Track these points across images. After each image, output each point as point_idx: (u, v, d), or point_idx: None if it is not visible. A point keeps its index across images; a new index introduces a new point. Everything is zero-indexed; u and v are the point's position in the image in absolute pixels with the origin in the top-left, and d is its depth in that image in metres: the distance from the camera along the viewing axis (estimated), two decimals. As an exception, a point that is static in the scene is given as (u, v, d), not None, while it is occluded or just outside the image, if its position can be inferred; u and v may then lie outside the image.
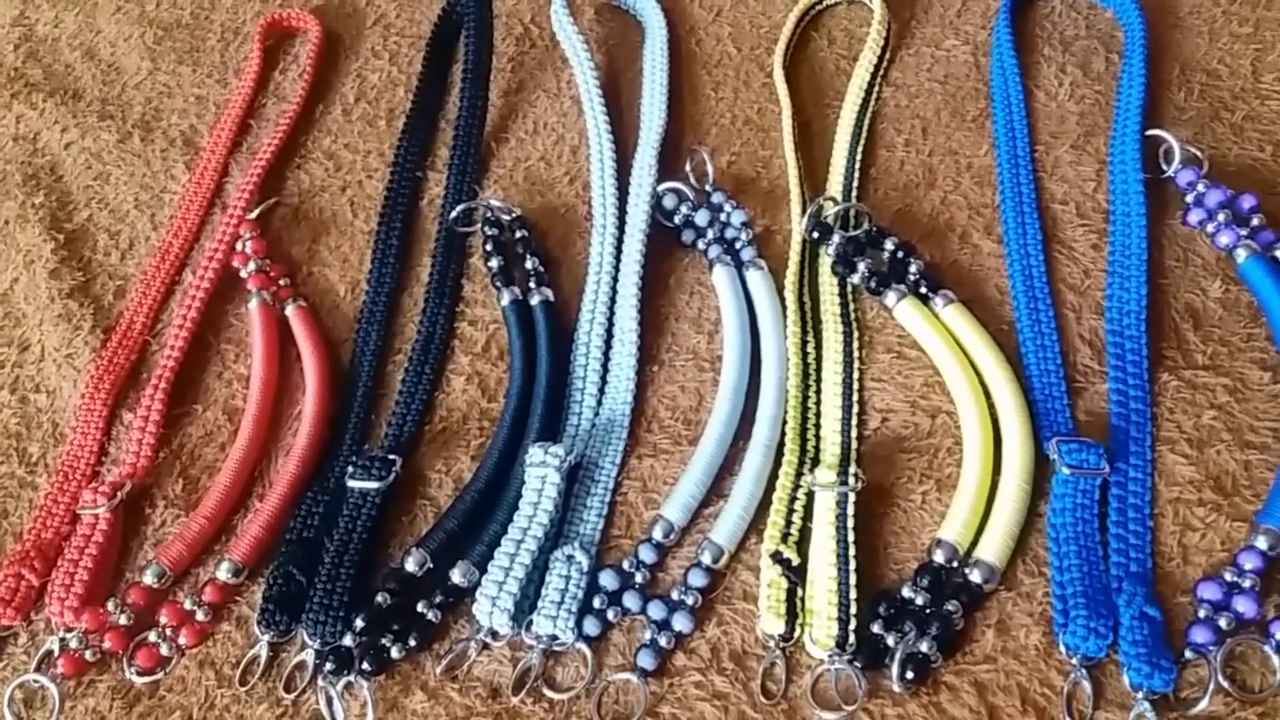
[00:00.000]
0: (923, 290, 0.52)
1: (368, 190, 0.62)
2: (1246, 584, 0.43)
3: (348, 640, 0.45)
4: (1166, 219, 0.54)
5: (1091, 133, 0.57)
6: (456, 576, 0.46)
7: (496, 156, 0.62)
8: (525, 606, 0.45)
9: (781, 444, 0.49)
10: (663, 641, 0.44)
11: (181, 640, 0.47)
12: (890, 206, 0.57)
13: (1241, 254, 0.51)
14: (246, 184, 0.61)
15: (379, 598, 0.45)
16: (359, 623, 0.45)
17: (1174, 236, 0.53)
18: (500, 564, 0.45)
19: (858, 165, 0.58)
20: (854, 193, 0.57)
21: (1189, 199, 0.53)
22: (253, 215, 0.60)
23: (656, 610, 0.45)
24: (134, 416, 0.53)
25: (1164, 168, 0.54)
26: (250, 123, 0.66)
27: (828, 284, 0.54)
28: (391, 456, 0.49)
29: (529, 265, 0.55)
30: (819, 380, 0.51)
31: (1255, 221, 0.52)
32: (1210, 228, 0.52)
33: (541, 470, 0.47)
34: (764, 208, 0.58)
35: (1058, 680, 0.42)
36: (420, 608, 0.45)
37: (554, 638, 0.45)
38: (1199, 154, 0.54)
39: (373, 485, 0.48)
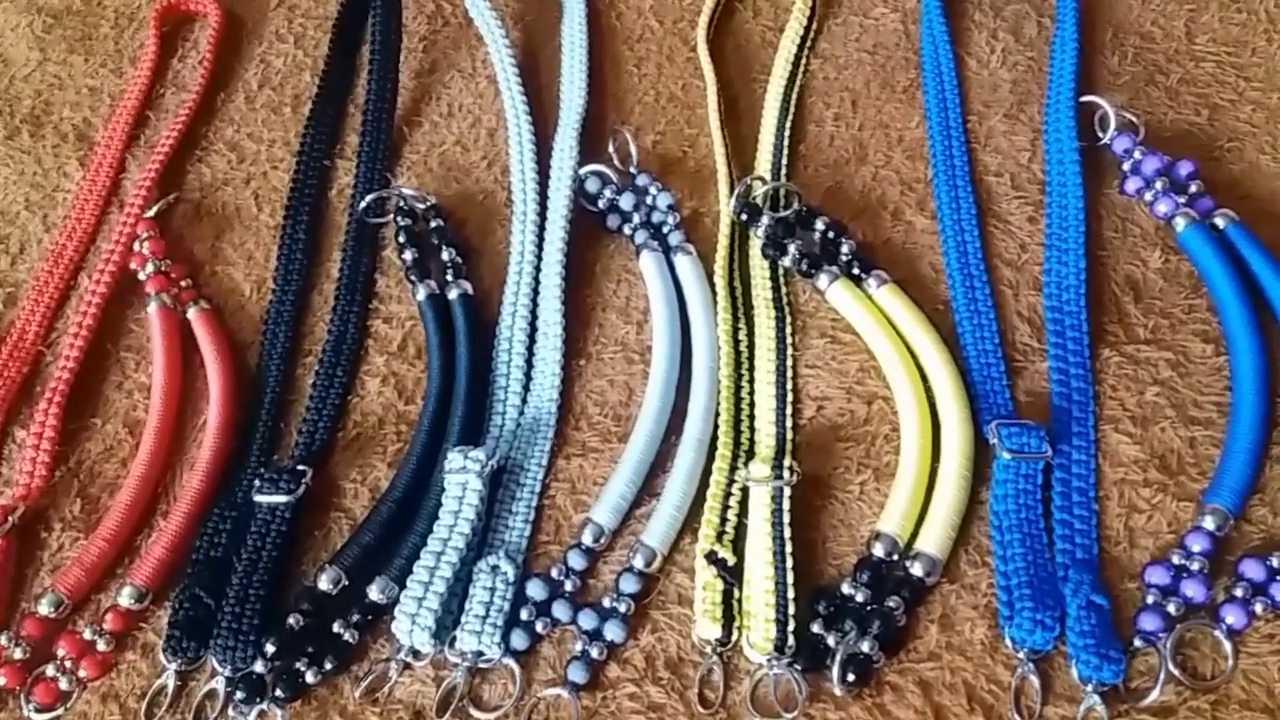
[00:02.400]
0: (855, 271, 0.50)
1: (273, 182, 0.58)
2: (1195, 567, 0.41)
3: (259, 666, 0.42)
4: (1104, 188, 0.52)
5: (1025, 101, 0.56)
6: (374, 593, 0.43)
7: (409, 142, 0.59)
8: (448, 622, 0.43)
9: (715, 438, 0.47)
10: (594, 653, 0.42)
11: (82, 673, 0.44)
12: (821, 184, 0.55)
13: (1180, 222, 0.49)
14: (144, 180, 0.58)
15: (291, 619, 0.43)
16: (270, 647, 0.42)
17: (1112, 206, 0.52)
18: (419, 578, 0.43)
19: (786, 142, 0.56)
20: (783, 171, 0.55)
21: (1125, 167, 0.52)
22: (151, 213, 0.56)
23: (587, 619, 0.43)
24: (27, 433, 0.50)
25: (1099, 135, 0.53)
26: (148, 114, 0.62)
27: (759, 268, 0.52)
28: (301, 467, 0.46)
29: (445, 257, 0.52)
30: (752, 369, 0.49)
31: (1193, 188, 0.50)
32: (1148, 196, 0.51)
33: (462, 476, 0.44)
34: (691, 189, 0.55)
35: (1005, 675, 0.41)
36: (336, 628, 0.43)
37: (479, 654, 0.42)
38: (1134, 120, 0.52)
39: (281, 499, 0.45)
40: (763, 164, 0.55)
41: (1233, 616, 0.40)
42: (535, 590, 0.43)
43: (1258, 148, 0.53)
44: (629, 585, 0.43)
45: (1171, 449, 0.45)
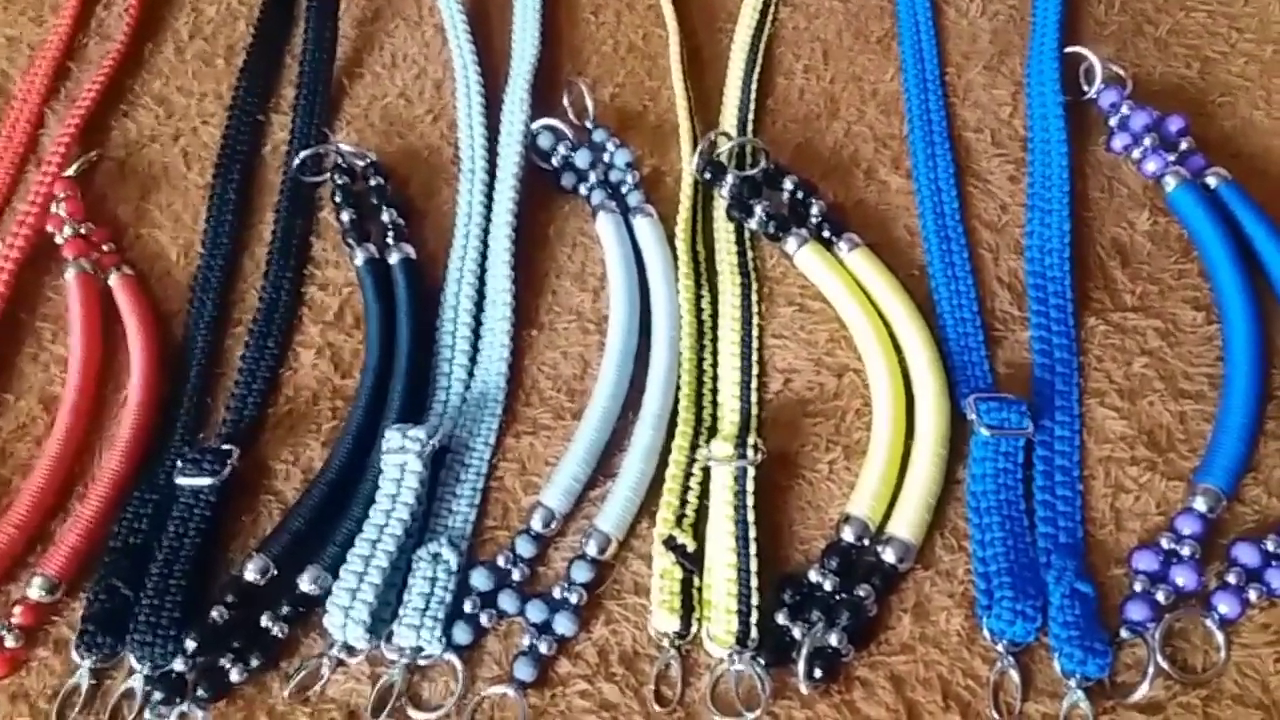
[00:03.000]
0: (826, 234, 0.47)
1: (203, 138, 0.54)
2: (1185, 552, 0.39)
3: (180, 663, 0.39)
4: (1089, 145, 0.49)
5: (1006, 52, 0.52)
6: (305, 584, 0.40)
7: (350, 95, 0.55)
8: (385, 615, 0.40)
9: (675, 414, 0.44)
10: (543, 647, 0.39)
11: (-11, 671, 0.40)
12: (790, 140, 0.51)
13: (1170, 182, 0.46)
14: (63, 136, 0.53)
15: (214, 613, 0.39)
16: (191, 643, 0.39)
17: (1098, 165, 0.49)
18: (353, 568, 0.39)
19: (753, 95, 0.52)
20: (750, 126, 0.51)
21: (1112, 122, 0.49)
22: (70, 172, 0.52)
23: (536, 611, 0.40)
24: (-68, 410, 0.46)
25: (1085, 89, 0.50)
26: (70, 66, 0.58)
27: (723, 230, 0.49)
28: (227, 447, 0.43)
29: (386, 218, 0.48)
30: (715, 339, 0.46)
31: (1184, 146, 0.47)
32: (1136, 154, 0.48)
33: (400, 457, 0.41)
34: (652, 146, 0.52)
35: (982, 669, 0.38)
36: (264, 622, 0.40)
37: (419, 649, 0.39)
38: (1122, 72, 0.49)
39: (205, 481, 0.42)
40: (728, 119, 0.52)
41: (1225, 605, 0.38)
42: (480, 580, 0.40)
43: (1251, 103, 0.50)
44: (581, 574, 0.40)
45: (1160, 424, 0.42)
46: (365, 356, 0.46)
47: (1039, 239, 0.46)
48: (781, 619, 0.39)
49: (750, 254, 0.48)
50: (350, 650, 0.39)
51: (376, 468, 0.42)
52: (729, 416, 0.44)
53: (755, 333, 0.46)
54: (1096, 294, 0.45)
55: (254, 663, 0.39)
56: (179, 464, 0.42)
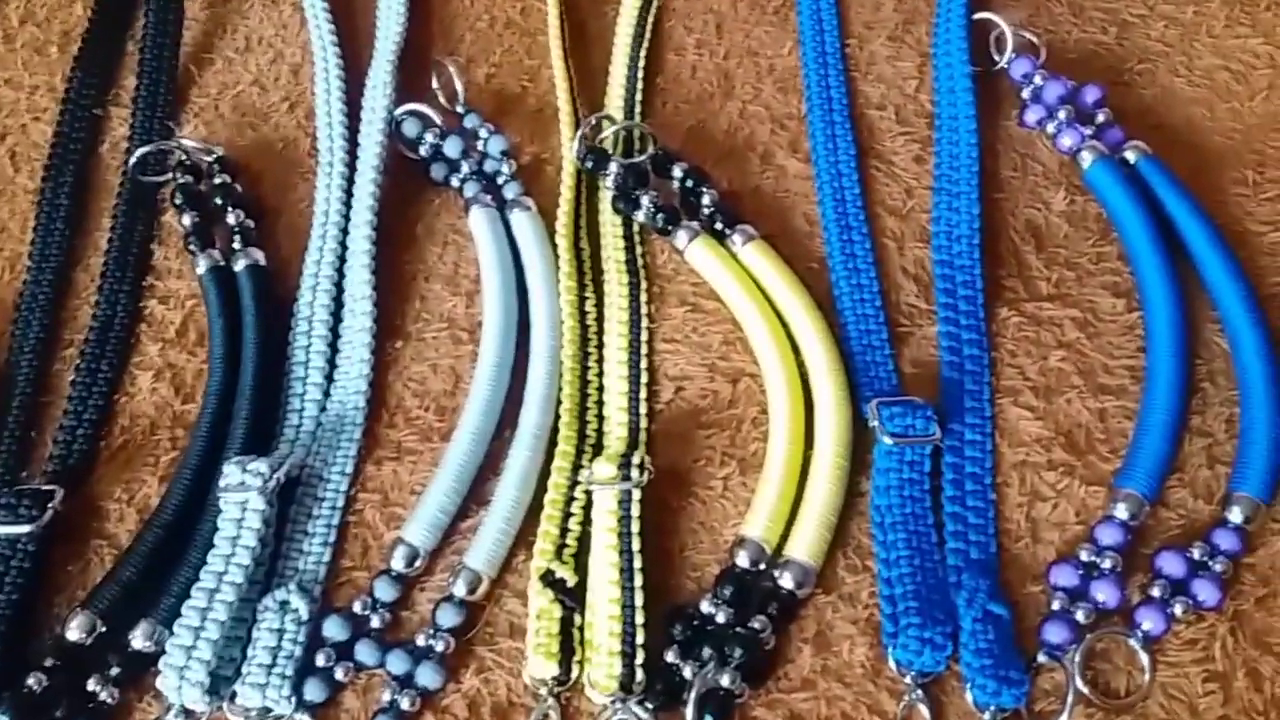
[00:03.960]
0: (719, 226, 0.43)
1: (34, 136, 0.48)
2: (1106, 564, 0.36)
3: (-7, 739, 0.34)
4: (1001, 120, 0.46)
5: (912, 20, 0.48)
6: (138, 641, 0.36)
7: (198, 83, 0.50)
8: (228, 672, 0.35)
9: (556, 431, 0.40)
10: (405, 703, 0.35)
11: None
12: (681, 123, 0.47)
13: (1087, 158, 0.43)
14: (-124, 136, 0.48)
15: (32, 680, 0.35)
16: (3, 717, 0.34)
17: (1010, 141, 0.45)
18: (188, 622, 0.35)
19: (640, 74, 0.48)
20: (637, 108, 0.47)
21: (1025, 94, 0.45)
22: (-120, 177, 0.47)
23: (398, 663, 0.35)
24: None
25: (996, 59, 0.46)
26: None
27: (609, 225, 0.44)
28: (49, 488, 0.38)
29: (232, 220, 0.44)
30: (601, 346, 0.42)
31: (1101, 118, 0.44)
32: (1050, 128, 0.44)
33: (240, 495, 0.36)
34: (532, 131, 0.47)
35: (889, 704, 0.34)
36: (92, 685, 0.35)
37: (266, 710, 0.35)
38: (1035, 40, 0.46)
39: (22, 529, 0.37)
40: (613, 100, 0.47)
41: (1149, 622, 0.35)
42: (334, 629, 0.36)
43: (1171, 69, 0.47)
44: (448, 618, 0.36)
45: (1079, 423, 0.39)
46: (208, 378, 0.41)
47: (946, 224, 0.42)
48: (671, 657, 0.35)
49: (639, 250, 0.44)
50: (189, 715, 0.35)
51: (217, 506, 0.37)
52: (616, 432, 0.40)
53: (644, 338, 0.42)
54: (1009, 282, 0.42)
55: (80, 734, 0.35)
56: (-6, 509, 0.38)
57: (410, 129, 0.45)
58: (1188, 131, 0.45)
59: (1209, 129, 0.45)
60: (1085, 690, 0.34)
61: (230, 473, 0.37)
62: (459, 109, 0.46)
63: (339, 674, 0.35)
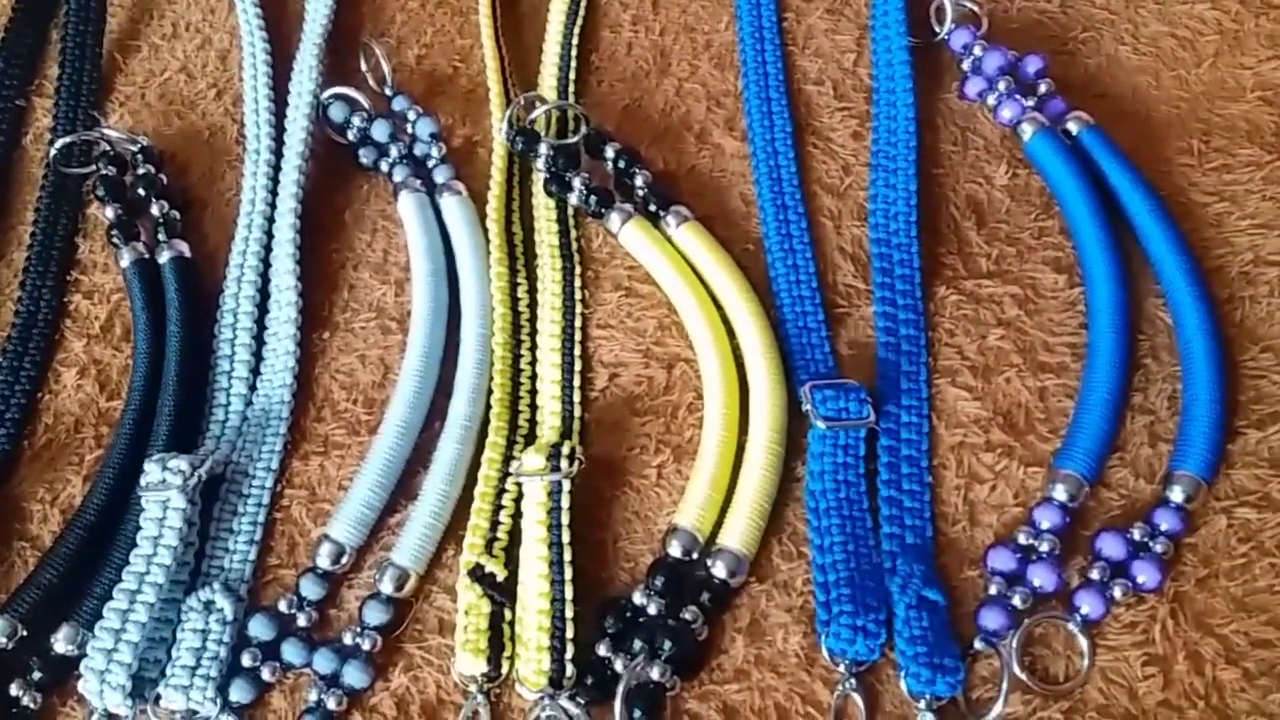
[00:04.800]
0: (653, 208, 0.42)
1: (-45, 129, 0.47)
2: (1044, 548, 0.35)
3: (-90, 750, 0.34)
4: (942, 94, 0.45)
5: (851, -9, 0.47)
6: (61, 644, 0.35)
7: (124, 71, 0.48)
8: (153, 674, 0.35)
9: (487, 422, 0.39)
10: (332, 703, 0.34)
11: None
12: (617, 102, 0.46)
13: (1027, 129, 0.42)
14: None
15: (-51, 688, 0.34)
16: (-80, 727, 0.33)
17: (950, 114, 0.44)
18: (109, 625, 0.34)
19: (574, 52, 0.47)
20: (571, 87, 0.46)
21: (965, 66, 0.44)
22: None
23: (324, 662, 0.35)
24: None
25: (936, 30, 0.45)
26: None
27: (543, 208, 0.43)
28: (-35, 491, 0.37)
29: (156, 211, 0.43)
30: (534, 334, 0.41)
31: (1042, 88, 0.43)
32: (991, 100, 0.43)
33: (161, 493, 0.35)
34: (464, 113, 0.46)
35: (824, 694, 0.34)
36: (14, 690, 0.35)
37: (191, 713, 0.34)
38: (976, 10, 0.45)
39: (-62, 535, 0.36)
40: (547, 80, 0.46)
41: (1088, 605, 0.34)
42: (259, 629, 0.35)
43: (1116, 37, 0.46)
44: (375, 615, 0.35)
45: (1018, 403, 0.38)
46: (131, 375, 0.40)
47: (883, 202, 0.41)
48: (603, 650, 0.34)
49: (574, 234, 0.43)
50: (112, 718, 0.34)
51: (140, 506, 0.36)
52: (549, 421, 0.39)
53: (579, 324, 0.41)
54: (949, 260, 0.41)
55: (-1, 741, 0.34)
56: (-93, 515, 0.37)
57: (337, 113, 0.44)
58: (1133, 101, 0.44)
59: (1155, 98, 0.44)
60: (1023, 676, 0.33)
61: (151, 471, 0.36)
62: (387, 91, 0.45)
63: (265, 674, 0.35)
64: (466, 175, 0.44)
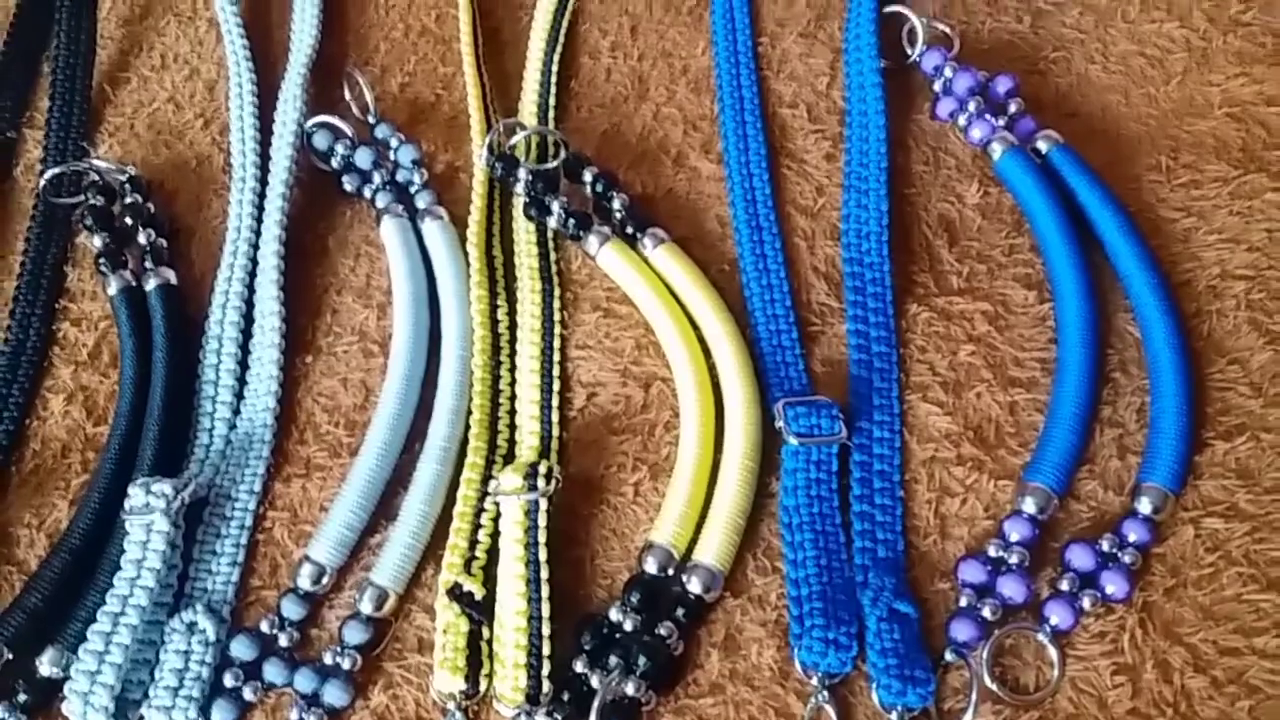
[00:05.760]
0: (630, 230, 0.42)
1: (-51, 161, 0.48)
2: (1014, 560, 0.35)
3: (-102, 773, 0.34)
4: (914, 115, 0.45)
5: (825, 16, 0.48)
6: (46, 667, 0.36)
7: (113, 102, 0.49)
8: (137, 695, 0.35)
9: (466, 442, 0.39)
10: (312, 721, 0.35)
11: None
12: (595, 127, 0.47)
13: (997, 149, 0.43)
14: None
15: (-64, 711, 0.35)
16: (-93, 750, 0.34)
17: (922, 135, 0.45)
18: (92, 647, 0.35)
19: (553, 79, 0.47)
20: (551, 113, 0.47)
21: (937, 87, 0.45)
22: None
23: (305, 681, 0.35)
24: None
25: (909, 52, 0.46)
26: None
27: (523, 232, 0.44)
28: (-46, 517, 0.38)
29: (143, 239, 0.43)
30: (513, 355, 0.42)
31: (1013, 108, 0.44)
32: (962, 120, 0.44)
33: (145, 517, 0.36)
34: (447, 140, 0.47)
35: (798, 707, 0.34)
36: (1, 712, 0.35)
37: (174, 733, 0.35)
38: (948, 31, 0.46)
39: (-74, 560, 0.37)
40: (527, 106, 0.47)
41: (1057, 616, 0.35)
42: (241, 649, 0.36)
43: (1086, 56, 0.46)
44: (355, 635, 0.36)
45: (989, 418, 0.39)
46: (118, 400, 0.41)
47: (856, 221, 0.42)
48: (580, 667, 0.35)
49: (553, 257, 0.44)
50: (96, 740, 0.35)
51: (124, 529, 0.37)
52: (528, 441, 0.40)
53: (557, 344, 0.42)
54: (921, 278, 0.41)
55: (-14, 763, 0.35)
56: (-103, 540, 0.37)
57: (321, 141, 0.45)
58: (1103, 119, 0.45)
59: (1124, 116, 0.45)
60: (993, 687, 0.34)
61: (135, 495, 0.36)
62: (370, 119, 0.46)
63: (247, 694, 0.35)
64: (448, 200, 0.45)
